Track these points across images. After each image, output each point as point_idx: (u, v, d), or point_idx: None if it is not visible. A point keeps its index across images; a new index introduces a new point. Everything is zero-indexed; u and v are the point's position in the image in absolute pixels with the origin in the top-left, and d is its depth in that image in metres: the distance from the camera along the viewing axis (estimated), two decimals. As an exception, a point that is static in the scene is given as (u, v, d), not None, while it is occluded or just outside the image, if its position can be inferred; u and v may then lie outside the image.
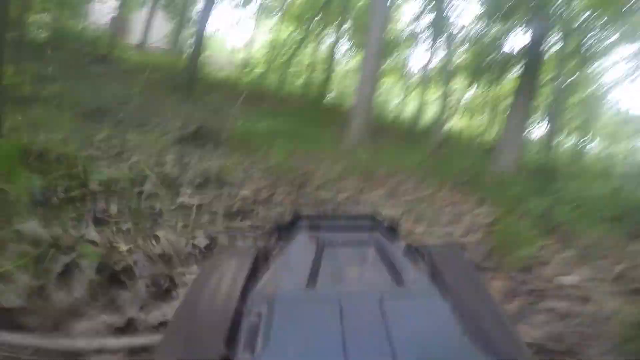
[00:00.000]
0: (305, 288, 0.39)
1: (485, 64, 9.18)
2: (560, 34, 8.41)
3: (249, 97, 5.51)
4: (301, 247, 0.55)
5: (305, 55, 13.46)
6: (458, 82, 12.08)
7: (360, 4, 11.88)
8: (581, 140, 14.98)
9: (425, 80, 12.31)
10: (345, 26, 12.83)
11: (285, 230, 0.69)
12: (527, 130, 7.44)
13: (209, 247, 1.31)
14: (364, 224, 0.69)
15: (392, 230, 0.69)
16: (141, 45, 10.67)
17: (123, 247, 1.15)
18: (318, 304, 0.34)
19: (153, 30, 11.07)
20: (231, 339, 0.40)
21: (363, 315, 0.32)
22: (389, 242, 0.61)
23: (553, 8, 5.97)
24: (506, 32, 8.49)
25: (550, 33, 6.81)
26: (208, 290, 0.47)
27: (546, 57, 7.30)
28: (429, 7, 10.54)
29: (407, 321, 0.32)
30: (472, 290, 0.50)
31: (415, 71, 14.78)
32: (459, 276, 0.53)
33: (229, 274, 0.51)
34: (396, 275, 0.42)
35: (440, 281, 0.52)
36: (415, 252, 0.62)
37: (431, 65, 11.59)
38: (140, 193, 1.61)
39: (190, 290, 0.49)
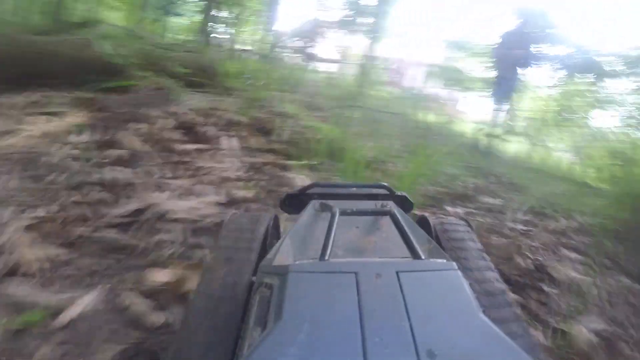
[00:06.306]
0: (318, 259, 0.37)
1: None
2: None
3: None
4: (314, 216, 0.54)
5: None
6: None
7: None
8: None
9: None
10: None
11: (297, 199, 0.68)
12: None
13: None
14: (377, 193, 0.67)
15: (404, 199, 0.68)
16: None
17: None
18: (333, 276, 0.32)
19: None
20: (244, 314, 0.40)
21: (380, 288, 0.30)
22: (402, 211, 0.60)
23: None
24: None
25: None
26: (225, 264, 0.50)
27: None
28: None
29: (425, 294, 0.30)
30: (479, 264, 0.52)
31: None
32: (467, 249, 0.56)
33: (243, 247, 0.53)
34: (412, 246, 0.40)
35: (450, 253, 0.52)
36: (427, 223, 0.61)
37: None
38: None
39: (208, 266, 0.50)
